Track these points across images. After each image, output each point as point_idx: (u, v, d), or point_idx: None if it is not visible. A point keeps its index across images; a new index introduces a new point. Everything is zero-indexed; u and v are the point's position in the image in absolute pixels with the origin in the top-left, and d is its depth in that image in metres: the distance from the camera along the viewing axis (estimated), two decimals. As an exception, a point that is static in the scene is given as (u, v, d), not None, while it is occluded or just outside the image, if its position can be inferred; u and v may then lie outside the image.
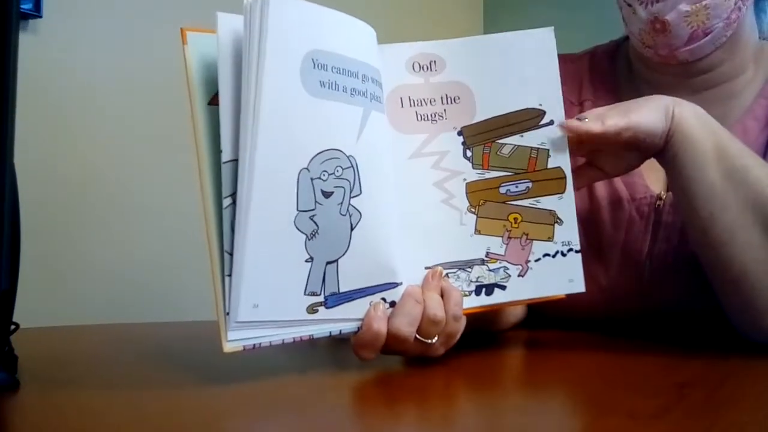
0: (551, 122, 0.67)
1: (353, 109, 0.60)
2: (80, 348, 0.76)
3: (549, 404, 0.53)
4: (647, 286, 0.82)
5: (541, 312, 0.87)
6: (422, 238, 0.65)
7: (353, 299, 0.60)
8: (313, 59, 0.57)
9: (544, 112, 0.67)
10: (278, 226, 0.56)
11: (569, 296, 0.68)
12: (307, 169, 0.57)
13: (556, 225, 0.67)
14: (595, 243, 0.85)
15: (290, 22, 0.57)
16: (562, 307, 0.84)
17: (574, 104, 0.91)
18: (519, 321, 0.87)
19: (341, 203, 0.59)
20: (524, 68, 0.68)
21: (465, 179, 0.67)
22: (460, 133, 0.67)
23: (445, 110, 0.67)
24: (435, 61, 0.68)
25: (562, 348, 0.76)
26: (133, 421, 0.48)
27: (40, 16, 1.55)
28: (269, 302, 0.56)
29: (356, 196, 0.60)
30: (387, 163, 0.64)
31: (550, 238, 0.67)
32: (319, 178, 0.58)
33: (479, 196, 0.67)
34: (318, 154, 0.58)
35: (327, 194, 0.58)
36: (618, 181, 0.85)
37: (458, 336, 0.63)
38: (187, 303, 1.32)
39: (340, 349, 0.60)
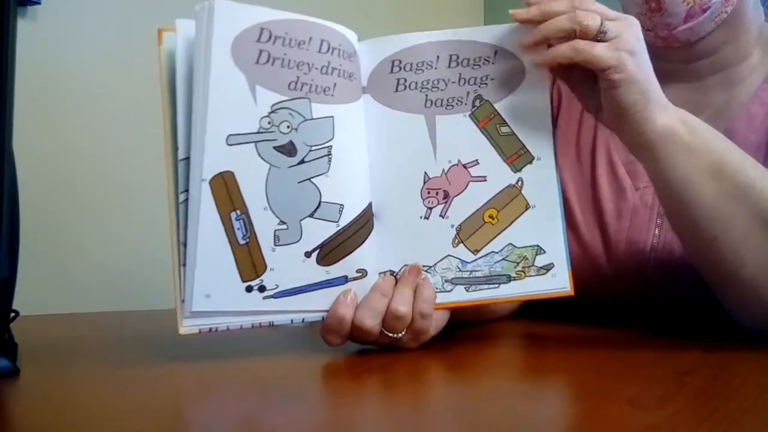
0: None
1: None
2: (80, 335, 0.76)
3: (548, 392, 0.53)
4: (651, 275, 0.81)
5: (543, 302, 0.87)
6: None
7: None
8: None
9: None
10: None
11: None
12: None
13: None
14: (599, 232, 0.85)
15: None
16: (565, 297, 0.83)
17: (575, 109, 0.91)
18: (509, 312, 0.87)
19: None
20: None
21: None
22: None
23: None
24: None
25: (561, 337, 0.76)
26: (133, 407, 0.48)
27: (39, 3, 1.55)
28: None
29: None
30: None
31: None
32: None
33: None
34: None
35: None
36: (622, 169, 0.85)
37: (428, 333, 0.64)
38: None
39: (313, 330, 0.61)
